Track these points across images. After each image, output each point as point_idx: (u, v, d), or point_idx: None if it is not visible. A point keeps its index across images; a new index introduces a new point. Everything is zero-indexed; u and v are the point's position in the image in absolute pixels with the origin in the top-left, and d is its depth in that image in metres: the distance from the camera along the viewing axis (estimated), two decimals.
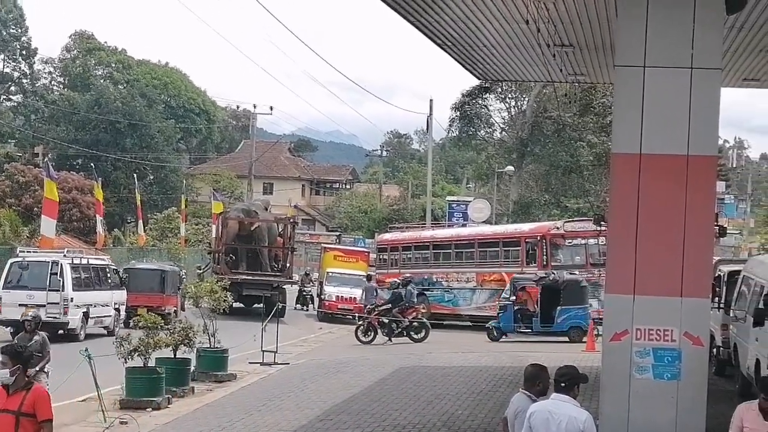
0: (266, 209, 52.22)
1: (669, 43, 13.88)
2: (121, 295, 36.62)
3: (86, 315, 33.66)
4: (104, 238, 51.63)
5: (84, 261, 35.16)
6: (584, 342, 31.17)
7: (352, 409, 19.22)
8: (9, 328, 30.04)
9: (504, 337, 33.51)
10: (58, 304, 32.41)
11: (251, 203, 54.96)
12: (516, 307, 33.77)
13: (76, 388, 19.17)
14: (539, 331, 33.41)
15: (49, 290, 32.58)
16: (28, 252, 35.82)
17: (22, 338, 17.15)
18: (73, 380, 18.30)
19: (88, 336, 32.34)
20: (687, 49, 13.79)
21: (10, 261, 34.08)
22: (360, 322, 35.19)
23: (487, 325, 34.86)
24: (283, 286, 46.37)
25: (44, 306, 31.66)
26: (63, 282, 32.69)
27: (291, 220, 52.09)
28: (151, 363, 20.35)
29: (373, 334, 33.52)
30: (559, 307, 33.22)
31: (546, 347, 30.36)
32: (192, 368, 22.63)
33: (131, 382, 19.82)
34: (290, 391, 22.05)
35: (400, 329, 33.29)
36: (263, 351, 26.82)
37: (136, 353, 19.78)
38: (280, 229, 49.87)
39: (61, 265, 32.97)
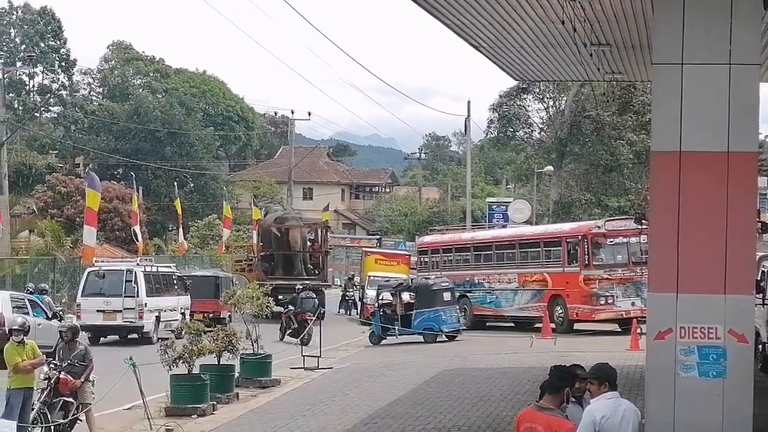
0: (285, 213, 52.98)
1: (706, 39, 13.80)
2: (186, 301, 38.78)
3: (158, 319, 35.58)
4: (143, 247, 52.17)
5: (154, 269, 37.09)
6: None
7: (396, 412, 19.23)
8: (88, 333, 31.30)
9: (383, 339, 34.97)
10: (133, 309, 34.51)
11: (282, 211, 55.44)
12: (382, 312, 35.37)
13: (121, 397, 19.30)
14: (401, 333, 34.84)
15: (125, 297, 34.59)
16: (103, 262, 37.01)
17: (63, 348, 17.25)
18: (118, 389, 18.43)
19: (160, 339, 33.14)
20: (725, 45, 13.70)
21: (87, 270, 36.16)
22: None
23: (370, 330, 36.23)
24: (321, 290, 46.71)
25: (121, 311, 34.37)
26: (137, 289, 34.73)
27: (324, 224, 52.42)
28: (196, 370, 20.46)
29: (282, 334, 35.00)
30: (414, 310, 34.78)
31: (590, 346, 30.22)
32: (236, 374, 22.74)
33: (176, 389, 19.95)
34: (334, 395, 22.09)
35: (291, 330, 34.56)
36: (304, 356, 26.93)
37: (181, 360, 19.89)
38: (312, 235, 50.55)
39: (135, 273, 35.09)
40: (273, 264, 48.90)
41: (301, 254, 49.22)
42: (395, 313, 35.21)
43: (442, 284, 35.95)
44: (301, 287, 38.55)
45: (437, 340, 34.29)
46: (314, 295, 37.82)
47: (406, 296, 35.64)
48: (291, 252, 49.22)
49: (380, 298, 36.60)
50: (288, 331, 34.85)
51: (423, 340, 34.47)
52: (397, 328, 34.88)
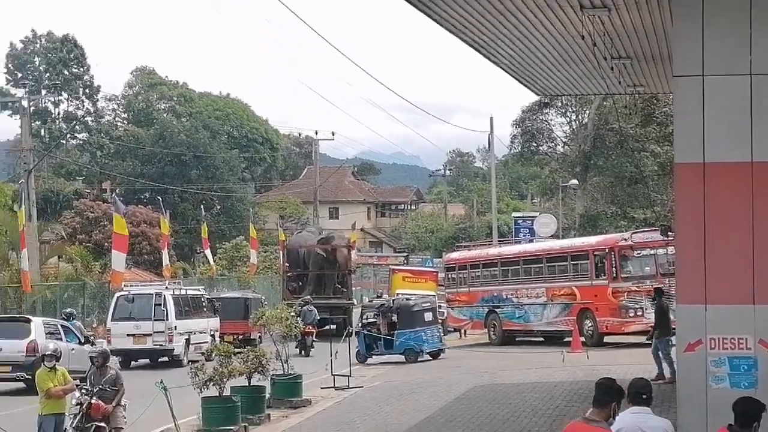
0: (320, 234, 53.51)
1: (727, 50, 13.81)
2: (215, 323, 38.77)
3: (188, 342, 35.67)
4: (171, 270, 52.42)
5: (183, 292, 37.29)
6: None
7: (427, 430, 19.25)
8: (118, 357, 31.36)
9: (369, 359, 35.10)
10: (163, 332, 34.63)
11: (311, 230, 55.90)
12: (366, 331, 35.71)
13: (153, 420, 19.39)
14: (383, 352, 35.30)
15: (154, 320, 34.70)
16: (132, 286, 37.13)
17: (94, 374, 17.34)
18: (150, 412, 18.51)
19: (190, 361, 33.29)
20: (745, 56, 13.72)
21: (116, 295, 36.35)
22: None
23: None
24: (348, 308, 47.16)
25: (151, 335, 34.47)
26: (166, 312, 34.85)
27: (347, 243, 52.71)
28: (226, 392, 20.51)
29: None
30: (396, 331, 35.15)
31: (619, 359, 30.13)
32: (267, 395, 22.77)
33: (207, 411, 19.98)
34: (365, 414, 22.11)
35: (296, 343, 35.86)
36: (334, 375, 26.97)
37: (211, 383, 19.94)
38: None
39: (164, 296, 35.23)
40: (303, 283, 49.45)
41: (336, 273, 49.85)
42: (379, 333, 35.49)
43: (423, 305, 36.38)
44: (302, 302, 39.70)
45: (418, 359, 34.58)
46: (315, 309, 39.84)
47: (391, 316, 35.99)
48: (320, 271, 49.73)
49: (364, 317, 37.15)
50: (294, 345, 35.70)
51: (404, 360, 34.71)
52: (380, 346, 35.20)
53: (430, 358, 34.99)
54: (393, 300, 38.35)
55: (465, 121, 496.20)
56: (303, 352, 36.86)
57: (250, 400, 21.30)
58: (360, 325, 36.89)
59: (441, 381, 27.29)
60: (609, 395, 9.01)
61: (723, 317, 13.76)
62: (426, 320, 35.45)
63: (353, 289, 54.56)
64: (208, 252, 60.96)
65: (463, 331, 46.21)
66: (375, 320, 36.13)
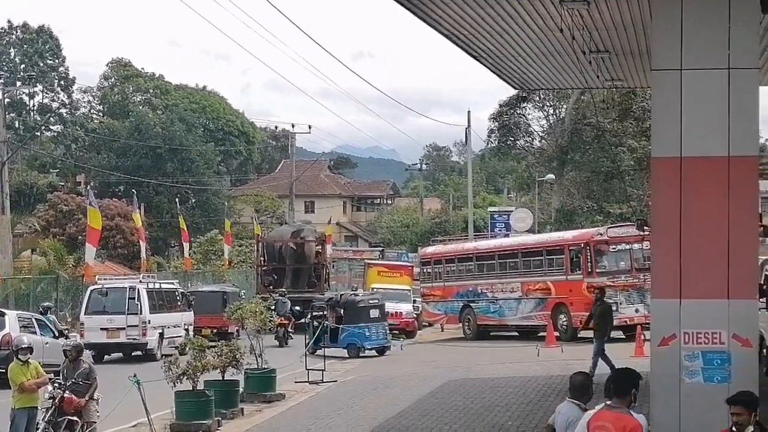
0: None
1: (705, 44, 13.81)
2: (189, 317, 38.63)
3: (161, 335, 35.56)
4: (147, 264, 52.29)
5: (157, 285, 37.07)
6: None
7: (401, 424, 19.21)
8: (92, 351, 31.32)
9: (317, 350, 34.31)
10: (137, 326, 34.48)
11: (293, 225, 56.14)
12: (314, 324, 35.58)
13: (126, 414, 19.28)
14: (329, 346, 34.89)
15: (128, 314, 34.50)
16: (106, 279, 37.37)
17: (67, 367, 17.23)
18: (123, 406, 18.40)
19: (164, 355, 33.13)
20: (723, 50, 13.72)
21: (90, 288, 36.25)
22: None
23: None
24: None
25: (124, 329, 34.31)
26: (140, 306, 34.75)
27: (320, 238, 52.86)
28: (200, 386, 20.40)
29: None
30: (341, 326, 35.29)
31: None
32: (240, 390, 22.67)
33: (181, 405, 19.87)
34: (339, 408, 22.05)
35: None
36: (308, 370, 26.88)
37: (185, 377, 19.82)
38: (318, 248, 51.25)
39: (138, 290, 35.08)
40: (278, 277, 49.58)
41: (309, 267, 50.06)
42: (327, 326, 35.42)
43: (370, 301, 36.51)
44: (277, 294, 40.57)
45: (360, 355, 34.76)
46: (288, 301, 40.75)
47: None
48: (292, 265, 49.88)
49: (314, 311, 37.22)
50: (273, 337, 36.13)
51: (347, 355, 34.78)
52: (326, 339, 34.90)
53: (377, 354, 35.17)
54: (340, 295, 38.75)
55: (442, 115, 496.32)
56: (279, 342, 37.29)
57: (223, 394, 21.19)
58: (309, 317, 37.14)
59: (415, 375, 27.26)
60: (629, 382, 9.25)
61: (697, 311, 13.77)
62: (371, 317, 35.57)
63: (330, 283, 54.62)
64: (186, 245, 60.72)
65: (441, 325, 46.29)
66: (324, 313, 36.27)
